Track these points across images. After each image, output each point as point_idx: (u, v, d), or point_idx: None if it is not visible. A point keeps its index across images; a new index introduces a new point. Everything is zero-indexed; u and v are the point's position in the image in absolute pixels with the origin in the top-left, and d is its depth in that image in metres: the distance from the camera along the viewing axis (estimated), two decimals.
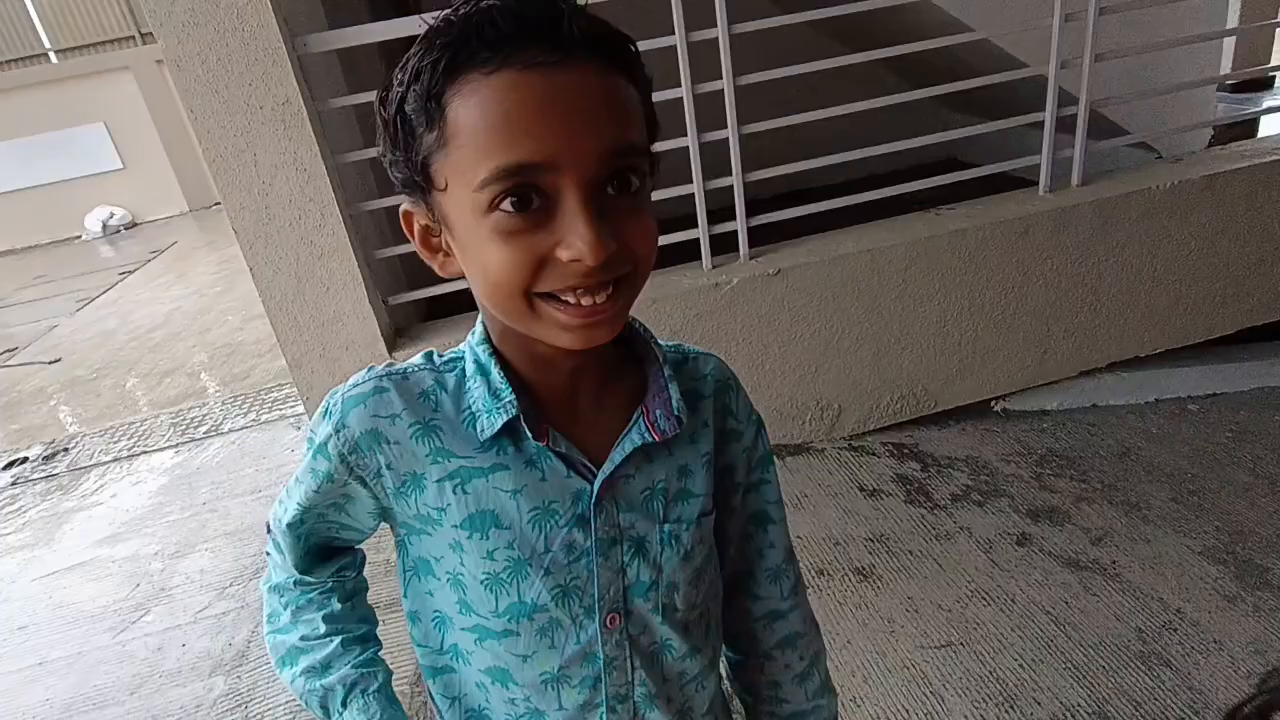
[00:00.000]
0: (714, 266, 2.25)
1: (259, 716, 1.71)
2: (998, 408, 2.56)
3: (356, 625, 0.68)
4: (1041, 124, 2.28)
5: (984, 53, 2.56)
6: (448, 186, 0.49)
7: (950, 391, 2.47)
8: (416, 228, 0.55)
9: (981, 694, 1.55)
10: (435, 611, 0.63)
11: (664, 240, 2.11)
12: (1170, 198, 2.32)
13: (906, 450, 2.38)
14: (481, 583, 0.58)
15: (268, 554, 0.69)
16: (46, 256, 9.55)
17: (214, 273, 6.69)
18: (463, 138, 0.46)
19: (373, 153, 2.10)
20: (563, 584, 0.58)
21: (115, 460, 3.17)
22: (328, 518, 0.63)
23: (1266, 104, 4.07)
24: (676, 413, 0.59)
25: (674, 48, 1.98)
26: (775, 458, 2.31)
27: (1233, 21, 2.90)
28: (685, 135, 2.07)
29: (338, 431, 0.57)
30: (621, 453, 0.58)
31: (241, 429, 3.23)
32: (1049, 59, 2.19)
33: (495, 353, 0.58)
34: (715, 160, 2.15)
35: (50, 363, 4.90)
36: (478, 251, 0.49)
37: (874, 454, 2.37)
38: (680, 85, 2.01)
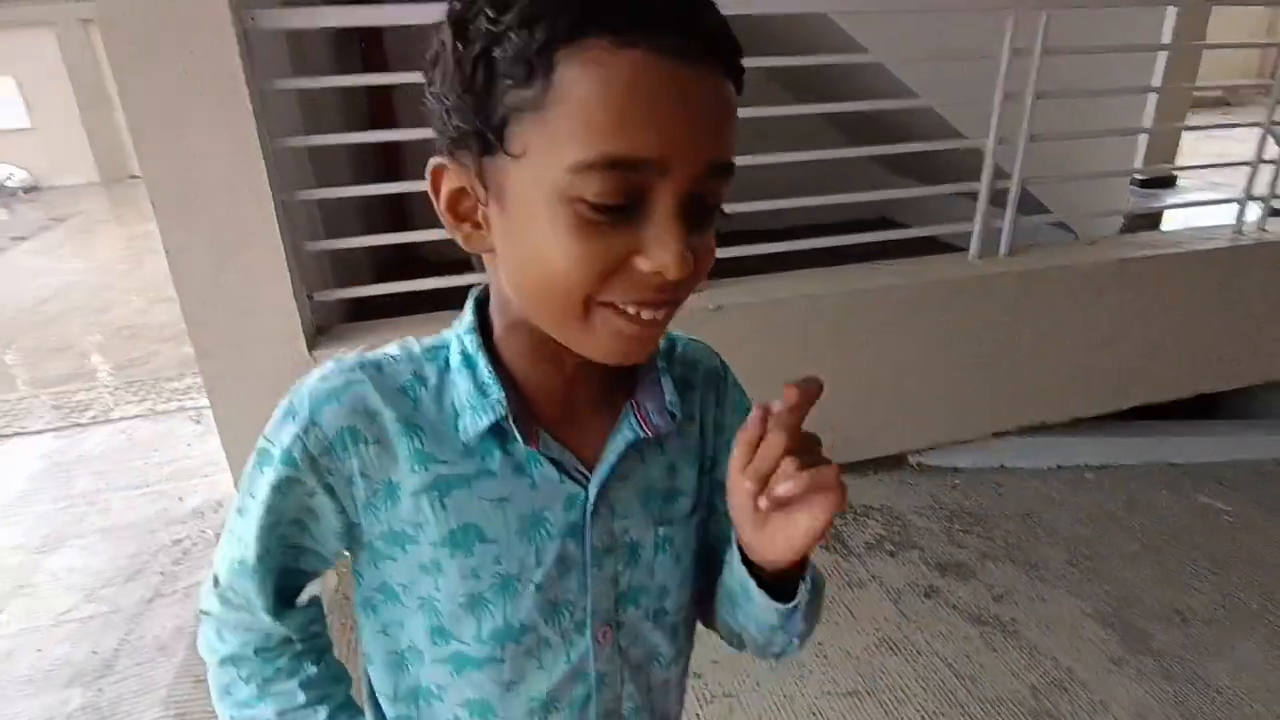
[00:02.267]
0: None
1: None
2: (914, 461, 2.63)
3: (335, 688, 0.61)
4: (971, 193, 2.40)
5: (926, 119, 2.68)
6: (525, 154, 0.42)
7: (872, 442, 2.53)
8: (446, 189, 0.47)
9: None
10: (399, 650, 0.56)
11: None
12: (1086, 277, 2.47)
13: None
14: (461, 605, 0.53)
15: (204, 614, 0.59)
16: None
17: (121, 248, 6.28)
18: (571, 107, 0.40)
19: (315, 141, 2.02)
20: (553, 599, 0.54)
21: None
22: (290, 540, 0.54)
23: (1170, 200, 4.44)
24: (669, 407, 0.55)
25: None
26: None
27: (1148, 121, 3.16)
28: None
29: (306, 431, 0.49)
30: (615, 452, 0.54)
31: (134, 417, 3.00)
32: (988, 133, 2.31)
33: (485, 344, 0.52)
34: None
35: None
36: (540, 239, 0.43)
37: None
38: None
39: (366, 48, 3.22)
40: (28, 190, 9.85)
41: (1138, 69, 2.97)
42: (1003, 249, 2.48)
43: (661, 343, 0.59)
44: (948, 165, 2.73)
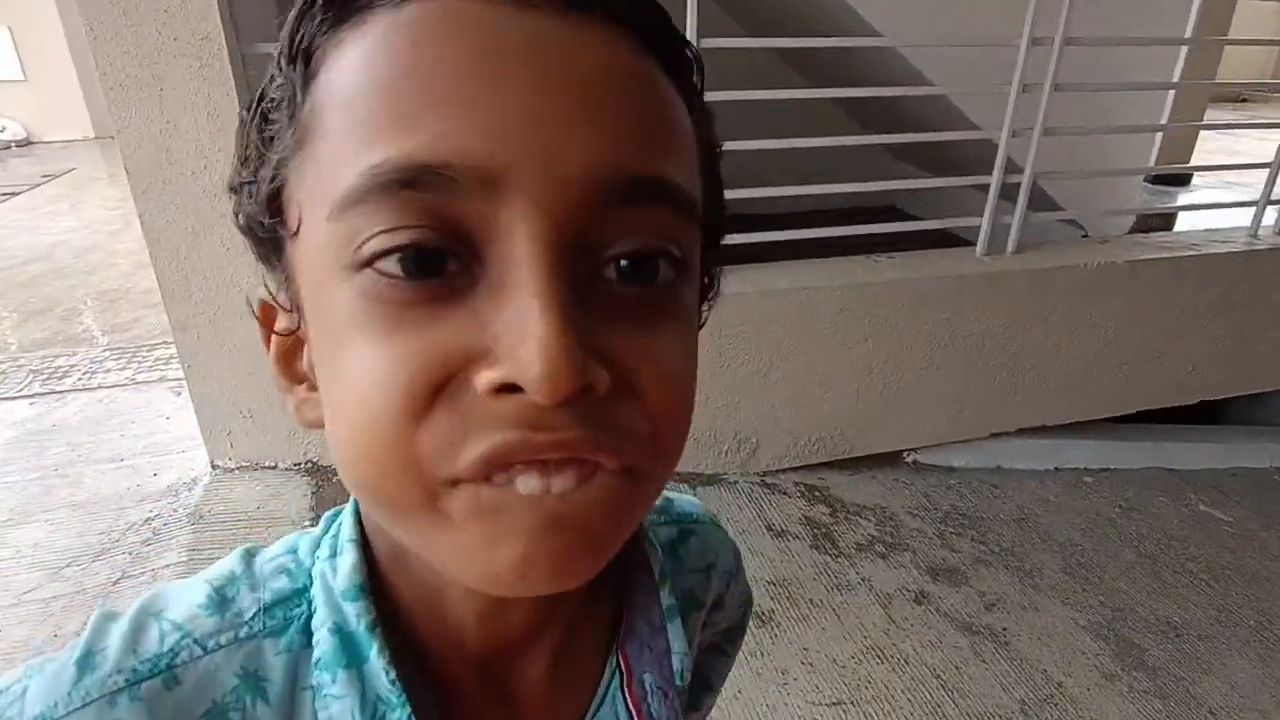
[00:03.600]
0: None
1: None
2: (909, 459, 2.58)
3: None
4: (981, 186, 2.32)
5: (938, 109, 2.59)
6: (300, 221, 0.26)
7: (867, 439, 2.47)
8: (277, 334, 0.30)
9: None
10: None
11: None
12: (1095, 277, 2.39)
13: (818, 493, 2.36)
14: None
15: None
16: None
17: (112, 209, 6.15)
18: (330, 117, 0.24)
19: None
20: None
21: None
22: None
23: (1182, 200, 4.34)
24: (679, 681, 0.35)
25: None
26: (688, 486, 2.27)
27: (1165, 117, 3.06)
28: None
29: None
30: None
31: (113, 386, 2.92)
32: (1001, 125, 2.22)
33: (374, 609, 0.30)
34: None
35: None
36: (333, 361, 0.25)
37: (785, 493, 2.34)
38: None
39: None
40: (21, 144, 9.67)
41: (1158, 63, 2.87)
42: (1010, 245, 2.40)
43: (666, 530, 0.40)
44: (959, 156, 2.64)
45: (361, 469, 0.25)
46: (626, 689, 0.34)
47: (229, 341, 1.95)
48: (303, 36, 0.25)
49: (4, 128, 9.72)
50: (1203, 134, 5.41)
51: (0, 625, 1.72)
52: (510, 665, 0.33)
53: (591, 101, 0.23)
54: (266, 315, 0.31)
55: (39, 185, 7.29)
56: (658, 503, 0.41)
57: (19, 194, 6.89)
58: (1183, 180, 4.71)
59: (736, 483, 2.36)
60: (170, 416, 2.66)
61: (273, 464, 2.17)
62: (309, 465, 2.18)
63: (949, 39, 2.24)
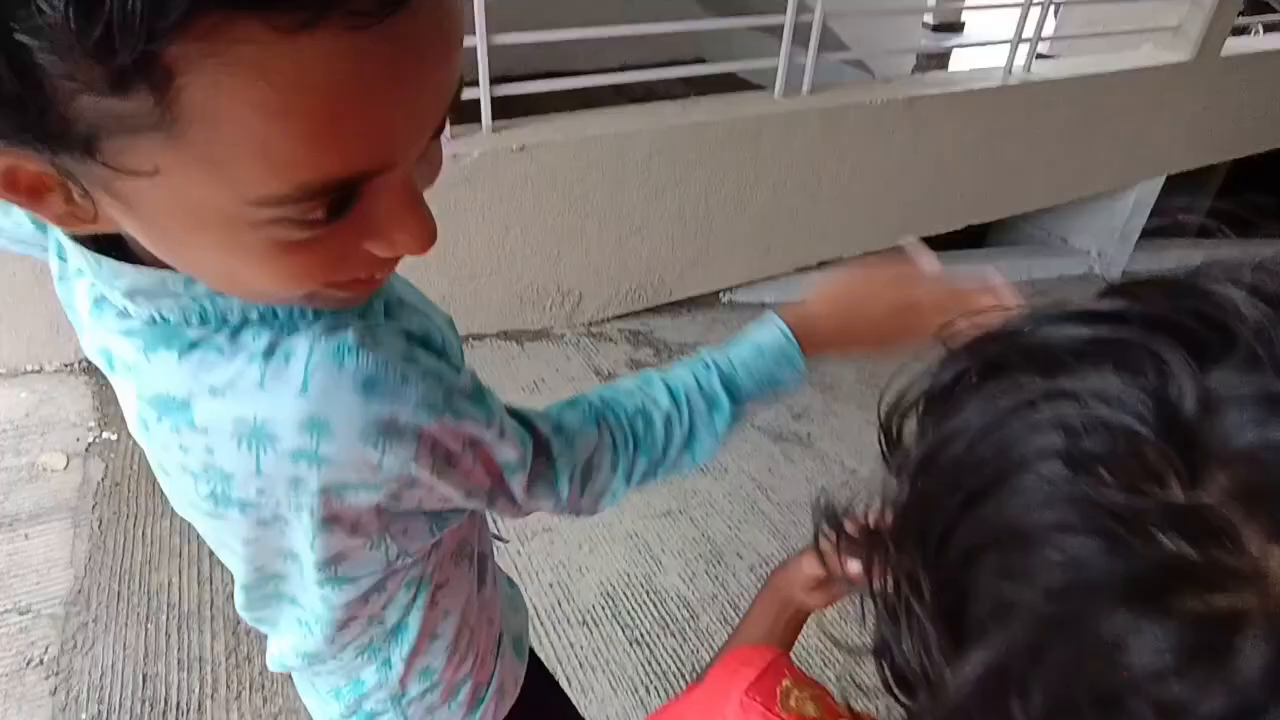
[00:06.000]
0: (453, 136, 2.06)
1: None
2: (725, 299, 2.74)
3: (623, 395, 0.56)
4: (777, 30, 2.37)
5: None
6: (159, 173, 0.28)
7: (685, 282, 2.58)
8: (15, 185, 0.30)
9: (694, 554, 1.70)
10: None
11: None
12: (880, 114, 2.57)
13: (641, 337, 2.47)
14: None
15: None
16: None
17: None
18: (230, 134, 0.27)
19: None
20: None
21: None
22: None
23: (955, 41, 4.71)
24: None
25: None
26: (515, 343, 2.29)
27: None
28: None
29: None
30: None
31: None
32: None
33: None
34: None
35: None
36: (223, 260, 0.34)
37: (611, 340, 2.43)
38: None
39: None
40: None
41: None
42: (805, 86, 2.50)
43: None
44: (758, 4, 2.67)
45: (253, 299, 0.38)
46: None
47: None
48: (141, 43, 0.24)
49: None
50: None
51: None
52: None
53: (439, 75, 0.31)
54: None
55: None
56: None
57: None
58: (957, 28, 5.10)
59: (564, 335, 2.40)
60: None
61: (36, 367, 1.92)
62: (84, 364, 1.94)
63: None
